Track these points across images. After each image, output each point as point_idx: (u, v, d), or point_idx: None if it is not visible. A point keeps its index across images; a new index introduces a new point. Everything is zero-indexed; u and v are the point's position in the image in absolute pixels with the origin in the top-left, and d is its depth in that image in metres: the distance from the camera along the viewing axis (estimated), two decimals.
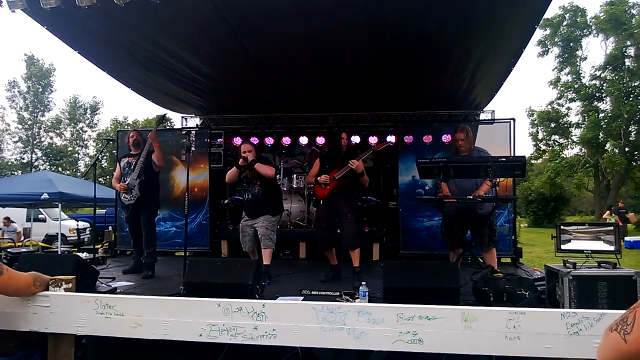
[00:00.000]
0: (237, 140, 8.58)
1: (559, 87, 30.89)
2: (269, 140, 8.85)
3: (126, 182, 5.70)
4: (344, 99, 8.04)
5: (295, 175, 8.48)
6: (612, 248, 4.15)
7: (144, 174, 5.73)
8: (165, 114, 6.30)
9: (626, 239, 16.70)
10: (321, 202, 5.50)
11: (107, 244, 8.56)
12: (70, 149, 42.37)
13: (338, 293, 4.38)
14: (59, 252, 9.29)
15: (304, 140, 8.75)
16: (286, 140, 8.85)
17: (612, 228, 4.29)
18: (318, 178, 5.39)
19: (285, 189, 8.31)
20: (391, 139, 7.98)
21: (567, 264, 4.01)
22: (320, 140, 8.60)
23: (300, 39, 5.46)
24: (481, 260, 5.29)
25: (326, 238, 5.39)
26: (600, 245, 4.20)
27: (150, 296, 2.95)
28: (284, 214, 7.90)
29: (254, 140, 8.59)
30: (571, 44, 29.95)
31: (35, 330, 2.56)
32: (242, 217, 5.69)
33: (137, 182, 5.67)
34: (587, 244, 4.23)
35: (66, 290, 2.60)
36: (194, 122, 9.49)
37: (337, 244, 5.41)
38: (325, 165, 5.48)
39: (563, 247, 4.28)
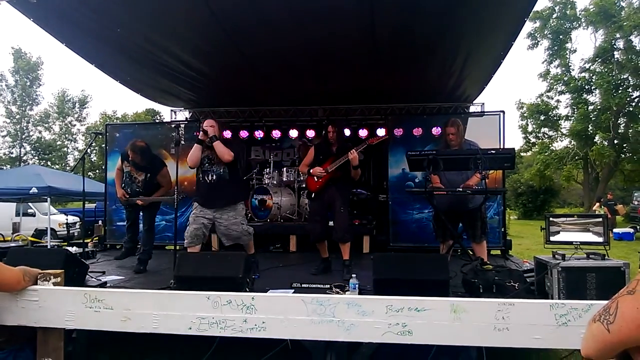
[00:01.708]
0: (227, 134, 8.54)
1: (548, 80, 30.99)
2: (259, 134, 8.84)
3: (128, 195, 5.78)
4: (334, 92, 8.03)
5: (285, 169, 8.49)
6: (600, 239, 4.19)
7: (148, 194, 5.80)
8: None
9: (615, 230, 16.87)
10: (313, 195, 5.46)
11: (97, 238, 8.54)
12: (59, 143, 42.03)
13: (328, 286, 4.39)
14: (49, 247, 9.23)
15: (293, 133, 8.74)
16: (276, 134, 8.84)
17: (600, 220, 4.33)
18: (311, 170, 5.36)
19: (275, 182, 8.31)
20: (381, 131, 8.00)
21: (556, 256, 4.05)
22: (310, 133, 8.60)
23: (289, 34, 5.45)
24: (471, 253, 5.32)
25: (319, 231, 5.37)
26: (589, 237, 4.24)
27: (139, 290, 2.93)
28: (274, 207, 7.92)
29: (244, 133, 8.60)
30: (561, 37, 30.04)
31: (23, 324, 2.54)
32: (196, 206, 5.14)
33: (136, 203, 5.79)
34: (576, 235, 4.27)
35: (55, 284, 2.57)
36: (183, 115, 9.44)
37: (329, 236, 5.41)
38: (319, 156, 5.45)
39: (552, 238, 4.31)
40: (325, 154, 5.42)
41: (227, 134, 8.33)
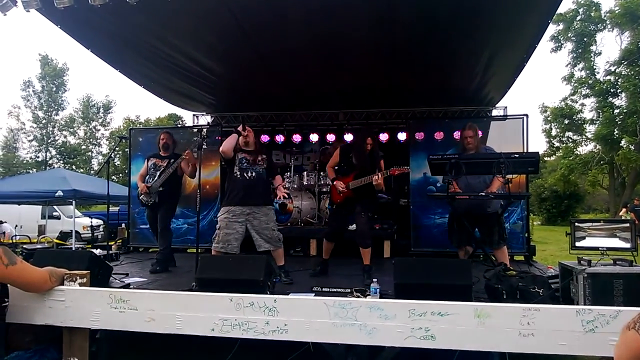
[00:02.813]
0: (265, 138, 8.69)
1: (572, 83, 30.58)
2: (280, 138, 8.89)
3: (149, 185, 5.88)
4: (354, 96, 8.03)
5: (305, 173, 8.50)
6: (628, 245, 4.08)
7: (167, 184, 5.90)
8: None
9: None
10: (335, 205, 5.50)
11: (121, 240, 8.64)
12: (83, 147, 42.82)
13: (349, 290, 4.36)
14: (73, 249, 9.38)
15: (314, 137, 8.78)
16: (297, 138, 8.87)
17: (628, 225, 4.21)
18: (334, 182, 5.34)
19: (295, 186, 8.33)
20: (402, 135, 7.98)
21: (581, 262, 3.95)
22: (331, 137, 8.63)
23: (309, 37, 5.49)
24: (493, 258, 5.25)
25: (332, 233, 5.43)
26: (615, 243, 4.13)
27: (163, 291, 2.96)
28: (295, 211, 7.94)
29: (265, 137, 8.66)
30: (585, 39, 29.60)
31: (50, 324, 2.59)
32: (226, 210, 5.06)
33: (159, 189, 5.86)
34: (603, 241, 4.16)
35: (81, 284, 2.62)
36: (205, 119, 9.54)
37: (340, 240, 5.45)
38: (343, 164, 5.42)
39: (577, 244, 4.21)
40: (350, 165, 5.36)
41: (265, 138, 8.52)
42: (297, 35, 5.45)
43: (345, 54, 5.96)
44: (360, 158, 5.31)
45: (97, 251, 6.32)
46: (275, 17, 4.96)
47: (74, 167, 40.00)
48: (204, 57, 6.16)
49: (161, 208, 5.99)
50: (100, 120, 43.81)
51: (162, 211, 6.00)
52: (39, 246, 7.92)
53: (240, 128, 5.07)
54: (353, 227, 5.56)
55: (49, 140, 40.50)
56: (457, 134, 7.23)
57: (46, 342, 3.02)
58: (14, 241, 12.21)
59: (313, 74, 6.87)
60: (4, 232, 13.66)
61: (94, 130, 43.54)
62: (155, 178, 5.90)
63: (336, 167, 5.49)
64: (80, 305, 2.54)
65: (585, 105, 30.77)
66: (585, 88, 29.79)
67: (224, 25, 5.18)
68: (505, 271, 4.12)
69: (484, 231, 5.20)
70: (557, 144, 32.87)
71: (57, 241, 13.01)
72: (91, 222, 14.41)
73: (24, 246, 7.22)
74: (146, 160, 6.24)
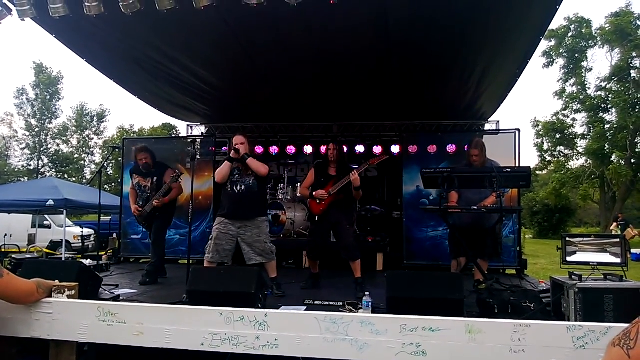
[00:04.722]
0: (259, 149, 8.66)
1: (564, 98, 30.94)
2: (274, 149, 8.91)
3: (140, 210, 5.87)
4: (348, 108, 8.06)
5: (299, 184, 8.49)
6: (618, 260, 4.10)
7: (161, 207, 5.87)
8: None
9: (633, 251, 16.50)
10: (317, 218, 5.40)
11: (111, 251, 8.58)
12: (76, 156, 42.59)
13: (341, 303, 4.35)
14: (63, 259, 9.30)
15: (308, 149, 8.79)
16: (291, 149, 8.89)
17: (618, 240, 4.24)
18: (314, 193, 5.33)
19: (289, 197, 8.31)
20: (395, 148, 8.00)
21: (572, 276, 3.97)
22: (324, 149, 8.65)
23: (304, 50, 5.54)
24: (485, 272, 5.25)
25: (314, 249, 5.44)
26: (606, 258, 4.15)
27: (152, 304, 2.93)
28: (288, 222, 7.91)
29: (259, 149, 8.64)
30: (576, 55, 30.03)
31: (37, 336, 2.54)
32: (219, 221, 4.99)
33: (150, 212, 5.85)
34: (593, 256, 4.18)
35: (69, 297, 2.58)
36: (199, 130, 9.52)
37: (323, 255, 5.48)
38: (320, 177, 5.44)
39: (569, 259, 4.23)
40: (326, 175, 5.40)
41: (259, 149, 8.43)
42: (292, 49, 5.49)
43: (340, 67, 6.00)
44: (331, 165, 5.42)
45: (87, 261, 6.30)
46: (272, 30, 4.99)
47: (66, 175, 39.76)
48: (199, 68, 6.17)
49: (157, 221, 5.97)
50: (93, 129, 43.62)
51: (157, 224, 5.98)
52: (28, 256, 7.84)
53: (232, 154, 4.98)
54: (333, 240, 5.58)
55: (42, 149, 40.26)
56: (450, 148, 7.28)
57: (34, 354, 2.98)
58: (3, 250, 12.10)
59: (308, 87, 6.89)
60: None
61: (87, 139, 43.34)
62: (144, 199, 5.89)
63: (310, 187, 5.46)
64: (67, 318, 2.50)
65: (576, 120, 31.21)
66: (576, 103, 30.17)
67: (221, 37, 5.20)
68: (477, 285, 4.14)
69: (479, 244, 5.19)
70: (548, 158, 33.19)
71: (47, 251, 12.88)
72: (82, 231, 14.29)
73: (13, 256, 7.15)
74: (130, 174, 6.24)
